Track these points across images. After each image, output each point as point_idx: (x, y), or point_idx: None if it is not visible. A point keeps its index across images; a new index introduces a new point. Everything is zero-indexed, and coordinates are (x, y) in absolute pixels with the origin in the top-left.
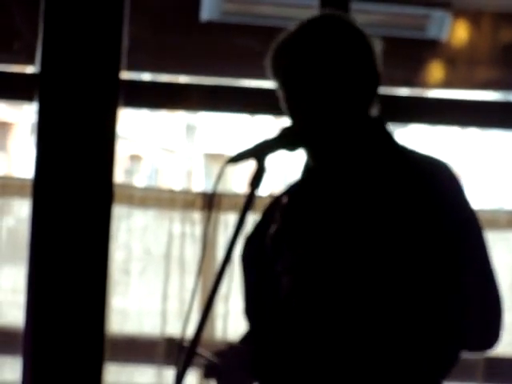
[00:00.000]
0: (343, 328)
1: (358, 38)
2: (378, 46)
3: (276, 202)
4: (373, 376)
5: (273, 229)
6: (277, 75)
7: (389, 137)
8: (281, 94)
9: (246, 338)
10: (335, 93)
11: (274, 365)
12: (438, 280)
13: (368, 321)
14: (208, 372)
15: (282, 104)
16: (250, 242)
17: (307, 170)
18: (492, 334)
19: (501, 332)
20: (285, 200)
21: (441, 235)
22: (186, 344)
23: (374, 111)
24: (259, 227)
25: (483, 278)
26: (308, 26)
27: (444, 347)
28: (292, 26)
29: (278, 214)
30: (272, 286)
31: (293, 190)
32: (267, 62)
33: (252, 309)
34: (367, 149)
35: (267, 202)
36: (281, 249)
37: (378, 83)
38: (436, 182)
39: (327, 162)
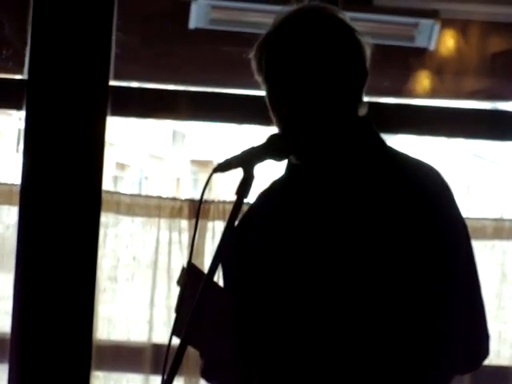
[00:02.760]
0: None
1: (346, 32)
2: (368, 44)
3: (262, 197)
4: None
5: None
6: (261, 70)
7: (377, 137)
8: (266, 90)
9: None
10: (321, 89)
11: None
12: (423, 292)
13: (344, 331)
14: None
15: (267, 99)
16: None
17: (291, 168)
18: (479, 354)
19: (487, 353)
20: (271, 200)
21: (431, 245)
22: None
23: (362, 111)
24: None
25: (471, 292)
26: (296, 19)
27: (425, 365)
28: (278, 18)
29: (265, 215)
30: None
31: (278, 190)
32: (252, 55)
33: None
34: (356, 149)
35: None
36: (267, 251)
37: (365, 80)
38: (427, 188)
39: (314, 163)
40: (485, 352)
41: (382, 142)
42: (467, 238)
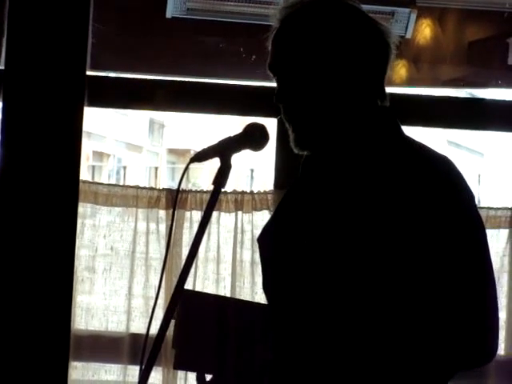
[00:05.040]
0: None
1: (355, 19)
2: (390, 32)
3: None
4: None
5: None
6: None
7: (393, 126)
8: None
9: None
10: (320, 80)
11: None
12: (434, 284)
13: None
14: None
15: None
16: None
17: (305, 160)
18: (487, 350)
19: (495, 349)
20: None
21: (441, 234)
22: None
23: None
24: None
25: (480, 285)
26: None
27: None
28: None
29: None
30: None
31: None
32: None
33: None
34: (366, 137)
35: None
36: (268, 244)
37: (376, 71)
38: (441, 176)
39: (320, 152)
40: (493, 348)
41: (398, 131)
42: (480, 230)
